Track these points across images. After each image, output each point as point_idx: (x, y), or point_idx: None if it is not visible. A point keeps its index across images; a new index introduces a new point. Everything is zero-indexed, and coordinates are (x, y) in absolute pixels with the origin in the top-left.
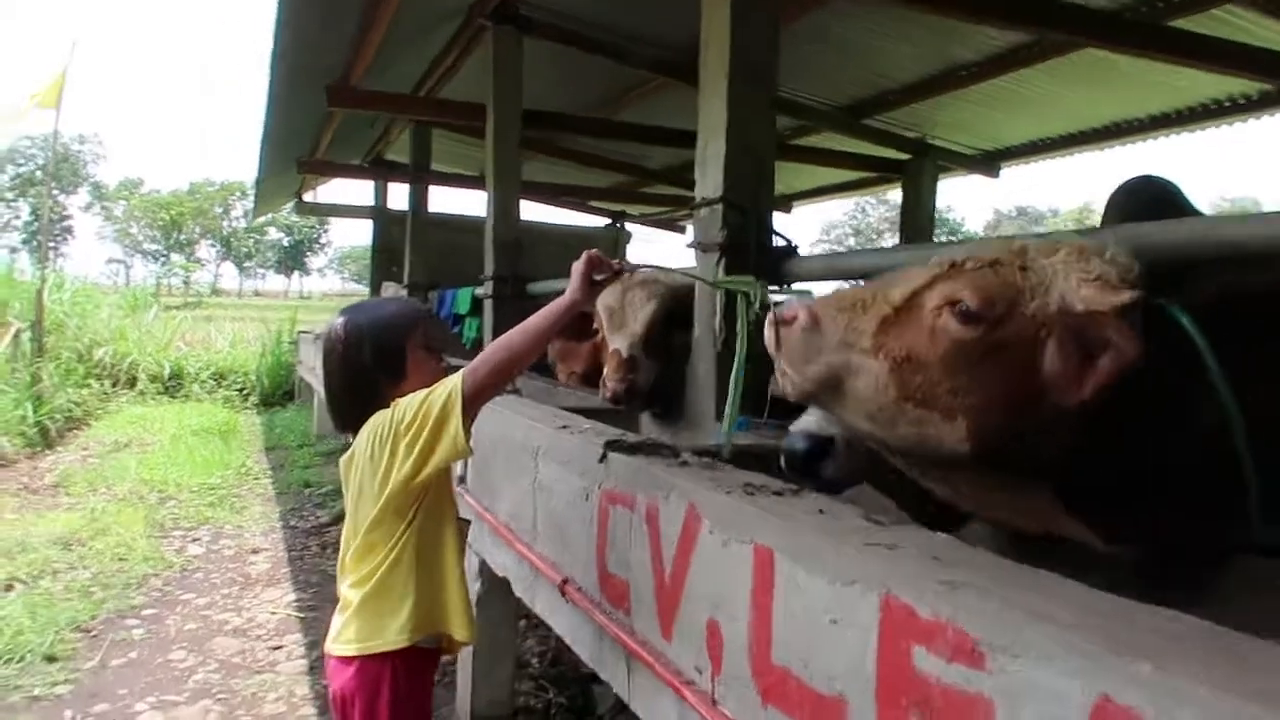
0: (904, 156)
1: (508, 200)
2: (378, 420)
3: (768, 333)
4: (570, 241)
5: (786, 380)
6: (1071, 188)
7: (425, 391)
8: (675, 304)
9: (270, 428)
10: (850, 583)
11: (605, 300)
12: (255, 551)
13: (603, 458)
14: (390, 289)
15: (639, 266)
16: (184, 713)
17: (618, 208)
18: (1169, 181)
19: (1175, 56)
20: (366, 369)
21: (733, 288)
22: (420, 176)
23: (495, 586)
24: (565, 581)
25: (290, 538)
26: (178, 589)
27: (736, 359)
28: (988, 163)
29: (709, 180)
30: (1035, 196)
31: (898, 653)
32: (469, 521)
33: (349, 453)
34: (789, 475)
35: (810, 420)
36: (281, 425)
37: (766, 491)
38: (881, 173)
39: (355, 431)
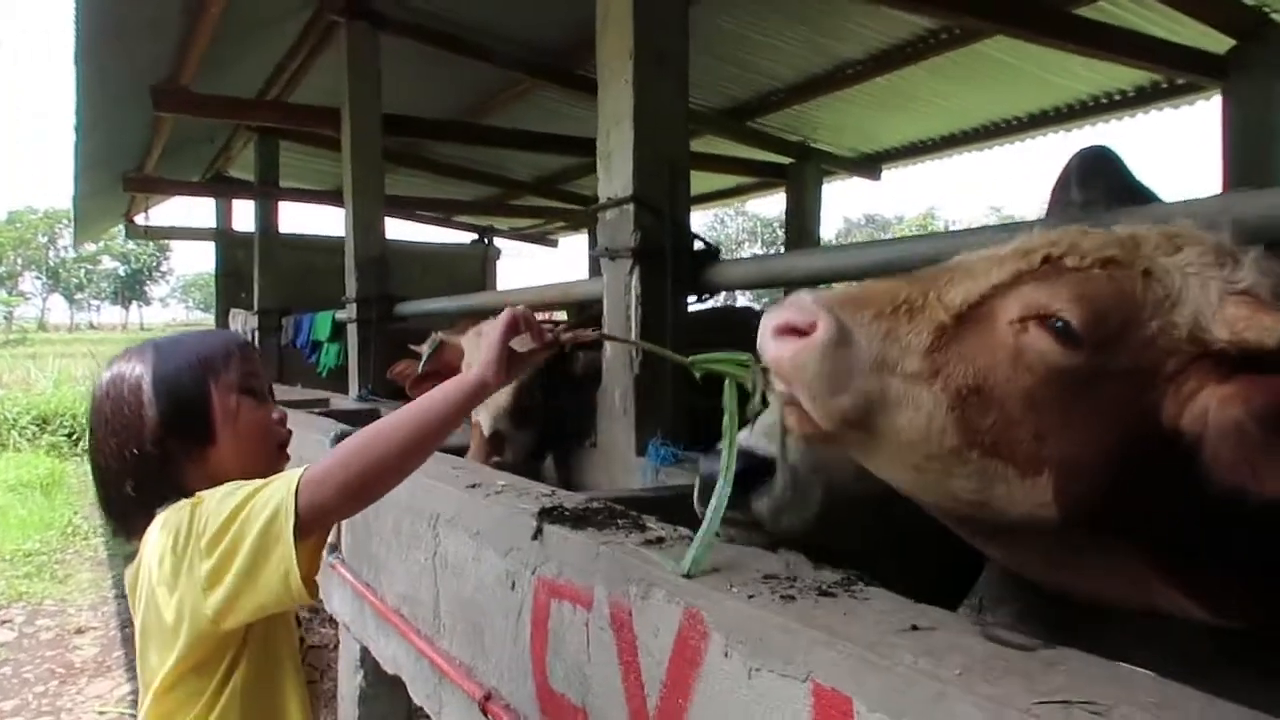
0: (786, 161)
1: (370, 214)
2: (173, 519)
3: (771, 346)
4: (434, 261)
5: (796, 413)
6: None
7: (242, 489)
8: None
9: None
10: None
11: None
12: (80, 632)
13: (536, 533)
14: (239, 317)
15: (585, 333)
16: None
17: (485, 222)
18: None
19: (1075, 44)
20: (152, 436)
21: (717, 370)
22: (267, 192)
23: (382, 681)
24: (488, 697)
25: (124, 610)
26: None
27: (723, 469)
28: (869, 165)
29: (615, 178)
30: (882, 205)
31: None
32: (318, 648)
33: (134, 565)
34: (701, 510)
35: (742, 434)
36: None
37: (806, 590)
38: (764, 177)
39: (140, 532)
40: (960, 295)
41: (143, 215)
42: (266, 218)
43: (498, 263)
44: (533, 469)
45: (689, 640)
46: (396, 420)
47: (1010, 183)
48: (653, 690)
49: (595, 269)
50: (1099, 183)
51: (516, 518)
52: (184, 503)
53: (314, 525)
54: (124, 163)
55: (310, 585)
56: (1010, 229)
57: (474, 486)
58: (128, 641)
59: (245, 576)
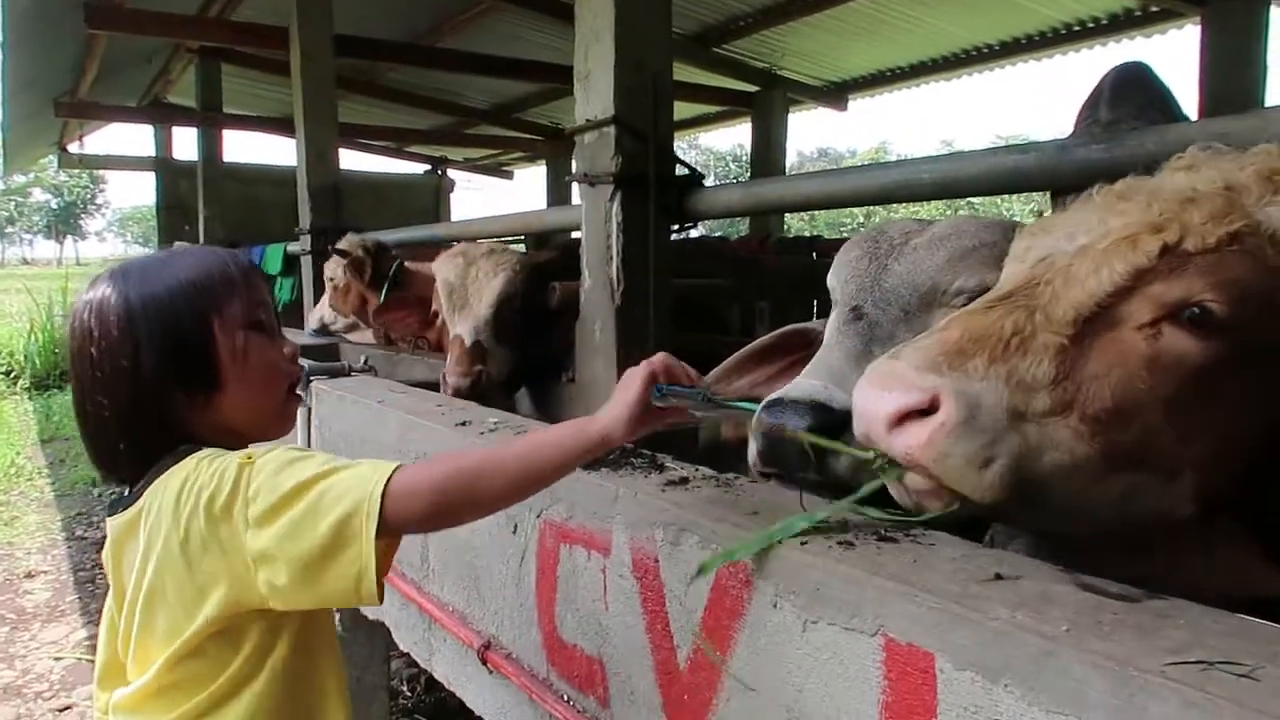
0: (752, 89)
1: (322, 140)
2: (204, 475)
3: (895, 442)
4: (386, 192)
5: (936, 498)
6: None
7: (303, 461)
8: (531, 277)
9: (45, 415)
10: None
11: (445, 275)
12: (30, 576)
13: None
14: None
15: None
16: None
17: (438, 153)
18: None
19: None
20: (148, 385)
21: (840, 450)
22: (211, 119)
23: (360, 625)
24: (487, 645)
25: (77, 553)
26: None
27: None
28: (836, 94)
29: (594, 98)
30: (834, 138)
31: None
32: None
33: (124, 516)
34: (767, 473)
35: (801, 384)
36: (60, 411)
37: (863, 536)
38: (729, 106)
39: (134, 480)
40: (1070, 308)
41: (77, 143)
42: (210, 146)
43: (451, 195)
44: (507, 406)
45: (729, 590)
46: (503, 457)
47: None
48: (684, 642)
49: (554, 201)
50: (1129, 101)
51: None
52: (217, 457)
53: (393, 535)
54: (55, 85)
55: (380, 588)
56: (1025, 149)
57: (464, 424)
58: (81, 585)
59: (310, 569)
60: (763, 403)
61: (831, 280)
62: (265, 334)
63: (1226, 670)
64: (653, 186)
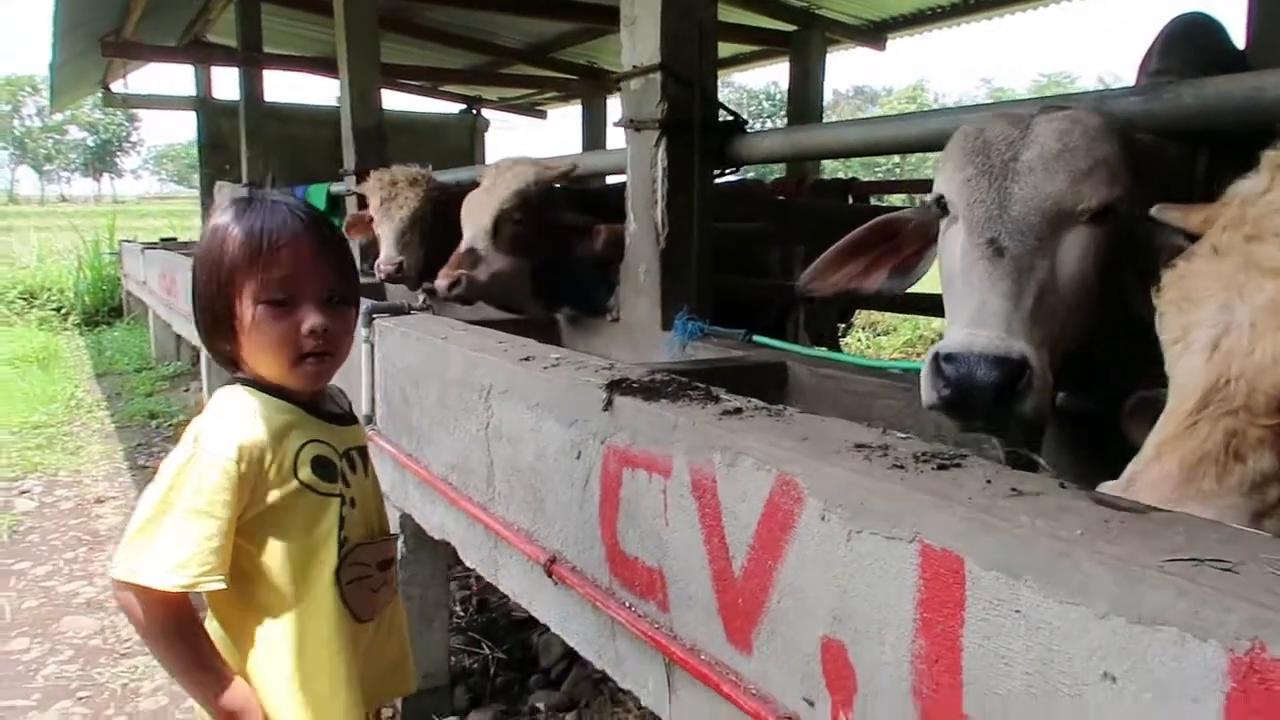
0: (790, 29)
1: (365, 81)
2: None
3: None
4: (422, 132)
5: None
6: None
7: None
8: (539, 191)
9: (98, 351)
10: (1150, 622)
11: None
12: (100, 501)
13: (607, 404)
14: (226, 190)
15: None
16: None
17: (473, 92)
18: None
19: None
20: (197, 320)
21: None
22: (251, 59)
23: (423, 545)
24: (553, 560)
25: (142, 481)
26: (7, 557)
27: None
28: (875, 34)
29: (641, 44)
30: (871, 77)
31: None
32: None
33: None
34: (951, 416)
35: (978, 336)
36: (112, 347)
37: (904, 457)
38: (766, 45)
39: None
40: (1271, 397)
41: (120, 82)
42: (251, 86)
43: (486, 134)
44: (551, 336)
45: (780, 505)
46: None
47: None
48: (738, 552)
49: (589, 140)
50: (1178, 54)
51: (582, 389)
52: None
53: None
54: (102, 25)
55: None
56: (1066, 99)
57: (527, 359)
58: None
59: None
60: (934, 353)
61: (943, 190)
62: (282, 307)
63: (1213, 566)
64: (697, 132)
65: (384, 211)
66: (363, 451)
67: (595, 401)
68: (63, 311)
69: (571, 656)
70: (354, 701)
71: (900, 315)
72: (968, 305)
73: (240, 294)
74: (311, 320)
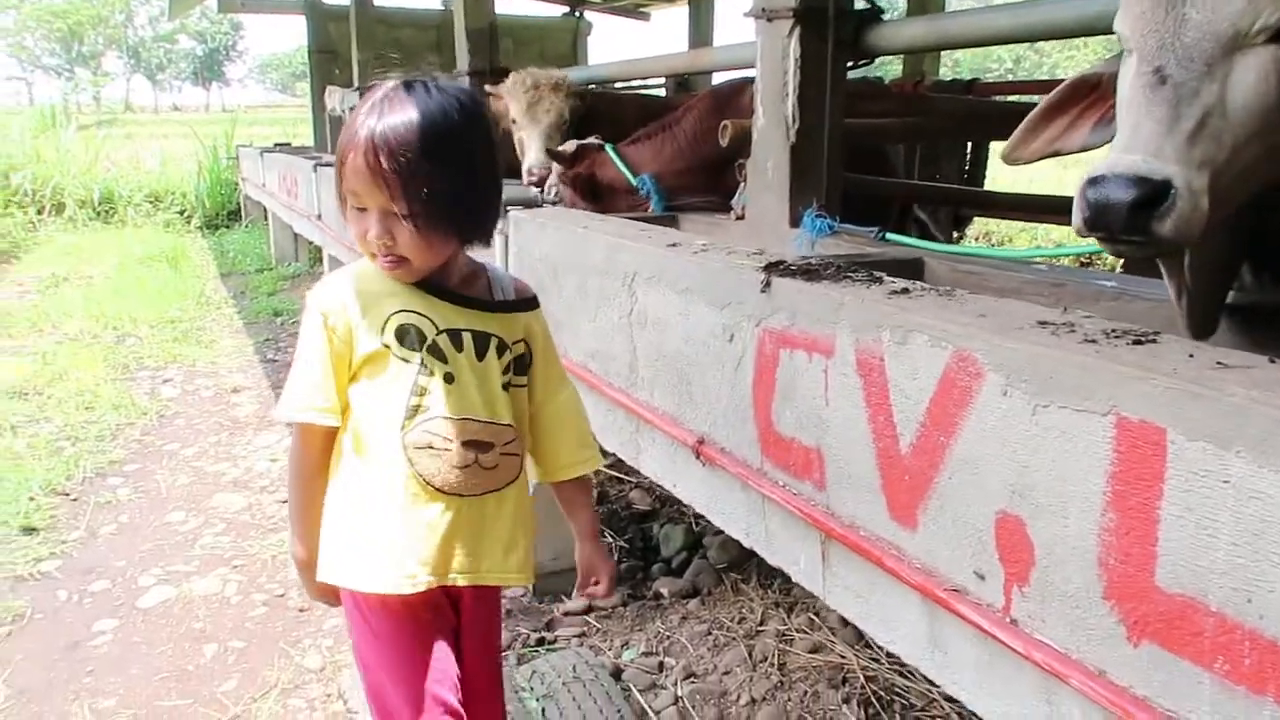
0: None
1: None
2: None
3: None
4: (525, 35)
5: None
6: None
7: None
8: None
9: (221, 252)
10: None
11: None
12: (236, 391)
13: (765, 285)
14: (336, 94)
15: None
16: (199, 585)
17: None
18: None
19: None
20: None
21: None
22: None
23: None
24: (701, 441)
25: (272, 374)
26: (158, 439)
27: None
28: None
29: None
30: None
31: None
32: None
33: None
34: (1095, 235)
35: (1123, 159)
36: (234, 249)
37: (1093, 333)
38: None
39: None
40: None
41: None
42: None
43: (588, 37)
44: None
45: (956, 381)
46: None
47: None
48: (906, 429)
49: (694, 44)
50: None
51: (736, 273)
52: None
53: None
54: None
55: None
56: None
57: (674, 245)
58: None
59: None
60: (1086, 178)
61: (1120, 27)
62: (357, 209)
63: None
64: (832, 22)
65: (530, 116)
66: (496, 339)
67: (751, 284)
68: (185, 214)
69: (691, 548)
70: (417, 560)
71: (1016, 225)
72: (1124, 132)
73: (342, 184)
74: (373, 230)
